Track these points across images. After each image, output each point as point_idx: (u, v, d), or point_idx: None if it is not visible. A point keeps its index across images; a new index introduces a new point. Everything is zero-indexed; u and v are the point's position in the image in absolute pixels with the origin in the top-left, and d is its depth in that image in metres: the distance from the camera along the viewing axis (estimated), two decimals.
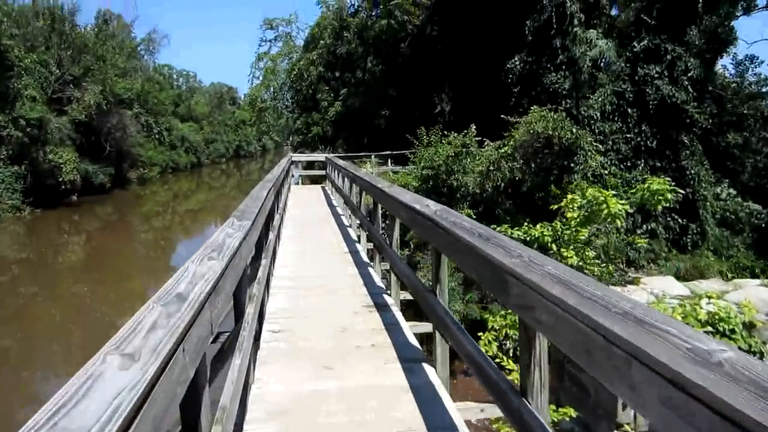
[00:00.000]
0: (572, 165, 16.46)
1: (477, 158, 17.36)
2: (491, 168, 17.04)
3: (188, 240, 29.88)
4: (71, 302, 18.52)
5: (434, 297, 3.67)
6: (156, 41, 47.63)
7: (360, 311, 5.06)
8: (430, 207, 3.71)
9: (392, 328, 4.57)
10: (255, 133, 58.26)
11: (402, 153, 20.71)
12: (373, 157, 21.29)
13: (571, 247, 6.47)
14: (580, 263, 6.43)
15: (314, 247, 8.24)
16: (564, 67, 19.29)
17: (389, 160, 22.71)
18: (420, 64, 29.42)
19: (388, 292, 5.71)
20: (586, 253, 6.89)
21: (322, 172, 21.77)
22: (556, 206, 9.45)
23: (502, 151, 17.10)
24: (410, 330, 4.58)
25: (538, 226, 6.78)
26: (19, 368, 12.57)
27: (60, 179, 26.21)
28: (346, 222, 10.82)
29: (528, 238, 6.43)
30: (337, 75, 33.88)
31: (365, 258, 7.48)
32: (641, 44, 19.54)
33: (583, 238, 6.52)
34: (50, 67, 26.53)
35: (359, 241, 8.63)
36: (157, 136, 47.99)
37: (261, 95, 37.68)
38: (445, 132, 18.15)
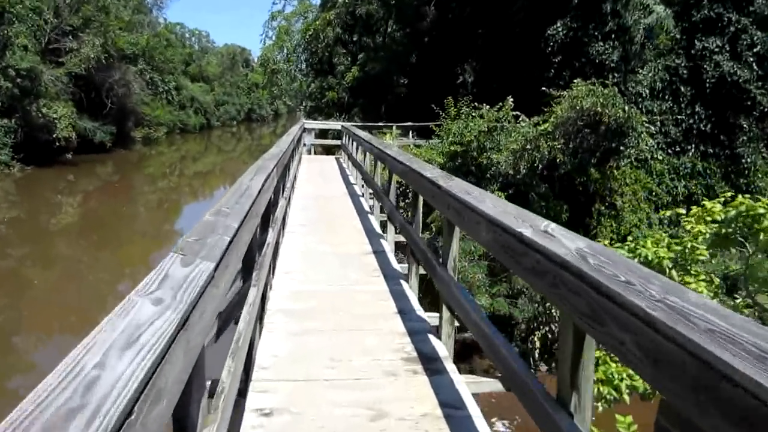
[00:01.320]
0: (621, 147, 14.54)
1: (511, 135, 15.47)
2: (528, 147, 15.16)
3: (195, 203, 28.62)
4: (66, 266, 17.48)
5: (567, 417, 1.89)
6: None
7: (398, 370, 3.27)
8: (562, 241, 1.92)
9: (456, 416, 2.80)
10: (267, 97, 55.84)
11: (425, 125, 18.76)
12: (394, 128, 19.33)
13: (702, 276, 4.73)
14: (712, 296, 4.71)
15: (328, 243, 6.45)
16: (613, 36, 17.13)
17: (410, 132, 20.75)
18: (446, 29, 27.23)
19: (435, 329, 3.95)
20: (714, 280, 5.15)
21: (337, 142, 19.90)
22: (683, 213, 7.30)
23: (542, 128, 15.19)
24: (482, 413, 2.83)
25: (648, 242, 5.00)
26: (9, 334, 11.53)
27: (54, 135, 24.41)
28: (365, 206, 9.04)
29: (636, 258, 4.70)
30: (354, 39, 31.68)
31: (395, 264, 5.69)
32: (700, 14, 17.31)
33: (703, 258, 4.78)
34: (45, 15, 24.45)
35: (384, 235, 6.86)
36: (165, 95, 46.07)
37: (273, 56, 35.45)
38: (476, 104, 16.24)
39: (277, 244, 5.33)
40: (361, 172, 10.20)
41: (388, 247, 6.31)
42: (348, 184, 11.60)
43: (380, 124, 20.86)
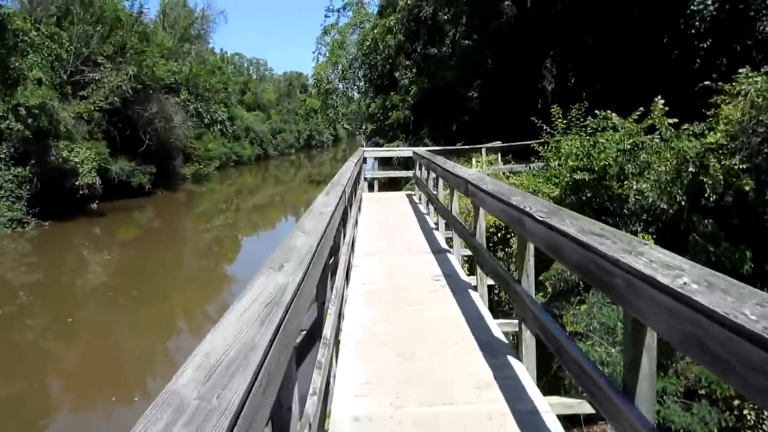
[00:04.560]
0: None
1: (661, 152, 10.75)
2: (689, 168, 10.36)
3: (254, 237, 25.40)
4: (96, 333, 14.64)
5: None
6: (210, 19, 42.37)
7: None
8: None
9: None
10: (323, 120, 52.27)
11: (523, 145, 14.11)
12: (483, 152, 14.72)
13: None
14: None
15: None
16: None
17: (498, 155, 16.10)
18: (529, 27, 22.65)
19: None
20: None
21: (405, 173, 15.54)
22: None
23: (708, 140, 10.33)
24: None
25: None
26: (34, 419, 9.44)
27: (76, 183, 20.90)
28: (489, 321, 4.61)
29: None
30: (418, 49, 27.53)
31: None
32: None
33: None
34: (66, 43, 21.24)
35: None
36: (219, 127, 43.37)
37: (327, 74, 31.60)
38: (597, 111, 11.74)
39: None
40: (472, 247, 5.59)
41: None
42: (437, 252, 7.12)
43: (465, 147, 16.22)
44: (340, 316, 4.14)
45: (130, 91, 23.58)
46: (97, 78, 22.27)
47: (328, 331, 3.02)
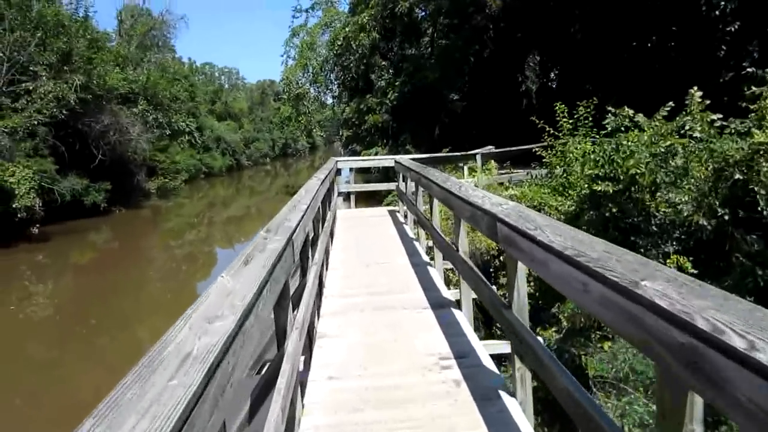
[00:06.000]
0: None
1: (698, 155, 8.89)
2: (734, 174, 8.48)
3: (228, 255, 23.12)
4: (44, 375, 12.02)
5: None
6: (170, 24, 39.89)
7: None
8: None
9: None
10: (296, 127, 49.69)
11: (525, 149, 12.13)
12: (479, 159, 12.62)
13: None
14: None
15: None
16: None
17: (492, 162, 14.11)
18: (517, 17, 20.84)
19: None
20: None
21: (387, 186, 13.48)
22: None
23: (757, 140, 8.45)
24: None
25: None
26: None
27: (14, 206, 18.42)
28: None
29: None
30: (395, 48, 25.56)
31: None
32: None
33: None
34: None
35: None
36: (187, 138, 40.99)
37: (297, 78, 29.42)
38: (612, 110, 9.89)
39: None
40: (508, 326, 3.40)
41: None
42: (438, 306, 5.07)
43: (455, 154, 14.08)
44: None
45: (76, 101, 21.17)
46: (31, 88, 19.81)
47: None
